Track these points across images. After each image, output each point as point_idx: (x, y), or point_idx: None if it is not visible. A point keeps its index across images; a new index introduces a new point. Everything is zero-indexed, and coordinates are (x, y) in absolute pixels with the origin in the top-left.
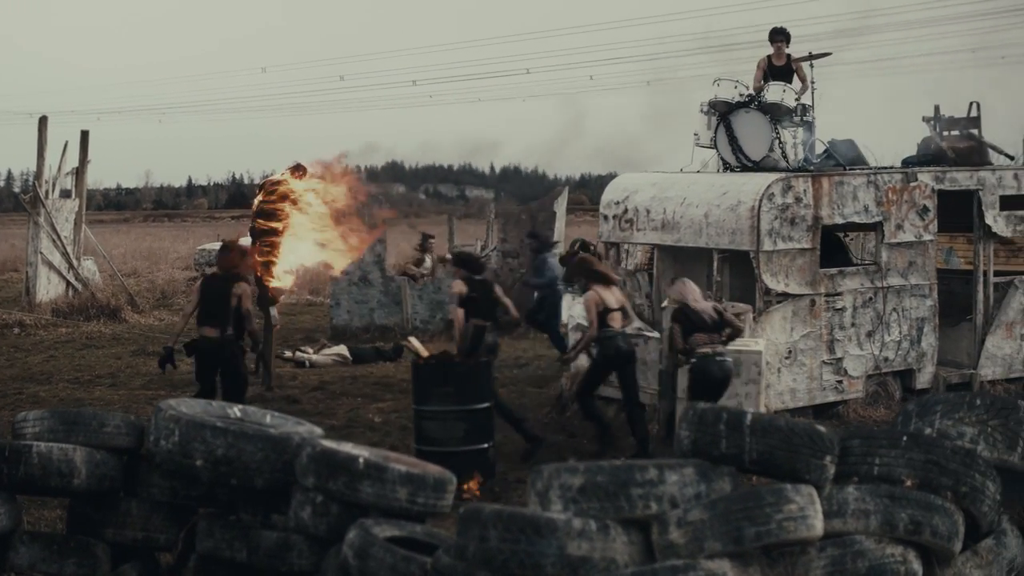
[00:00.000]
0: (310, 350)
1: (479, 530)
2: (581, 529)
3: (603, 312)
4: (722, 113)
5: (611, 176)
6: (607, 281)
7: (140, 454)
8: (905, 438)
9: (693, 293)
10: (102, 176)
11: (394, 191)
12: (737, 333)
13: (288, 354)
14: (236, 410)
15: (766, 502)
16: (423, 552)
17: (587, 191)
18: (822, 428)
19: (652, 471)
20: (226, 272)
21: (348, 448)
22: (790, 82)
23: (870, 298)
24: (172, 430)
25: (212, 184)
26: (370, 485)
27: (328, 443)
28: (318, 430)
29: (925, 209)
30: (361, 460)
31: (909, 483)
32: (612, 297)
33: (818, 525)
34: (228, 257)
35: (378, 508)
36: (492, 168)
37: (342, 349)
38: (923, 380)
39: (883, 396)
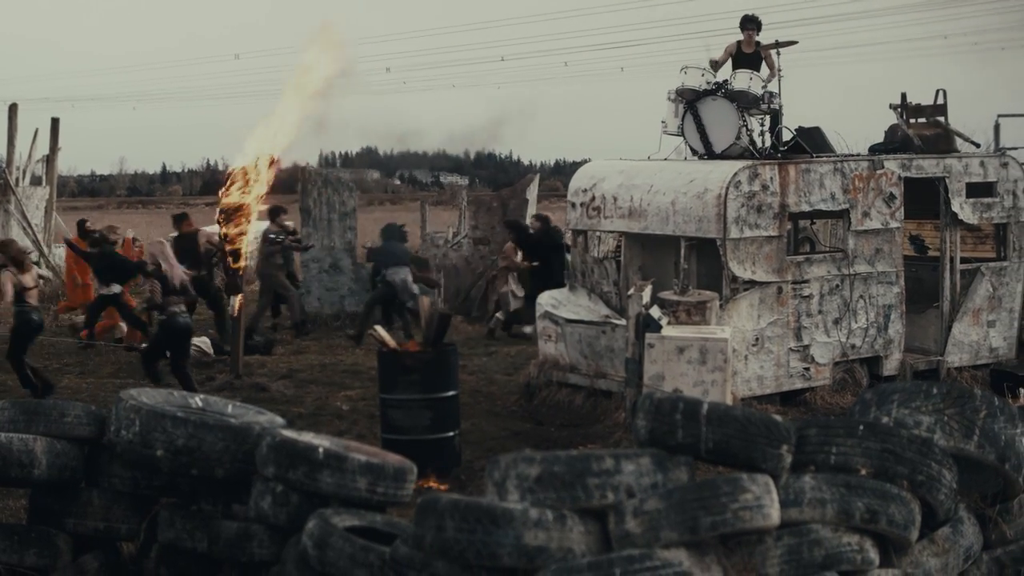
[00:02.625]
0: None
1: (436, 520)
2: (538, 519)
3: (20, 290)
4: (689, 101)
5: (585, 163)
6: (23, 265)
7: (101, 444)
8: (862, 427)
9: (168, 257)
10: (76, 163)
11: (368, 177)
12: (193, 301)
13: (144, 345)
14: (197, 400)
15: (722, 491)
16: (383, 542)
17: (561, 177)
18: (778, 418)
19: (609, 461)
20: None
21: (308, 438)
22: (758, 70)
23: (837, 285)
24: (133, 420)
25: (186, 171)
26: (330, 475)
27: (288, 433)
28: (279, 420)
29: (892, 196)
30: (321, 450)
31: (864, 472)
32: (28, 278)
33: (774, 514)
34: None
35: (338, 498)
36: (467, 154)
37: (203, 341)
38: (890, 367)
39: (850, 383)
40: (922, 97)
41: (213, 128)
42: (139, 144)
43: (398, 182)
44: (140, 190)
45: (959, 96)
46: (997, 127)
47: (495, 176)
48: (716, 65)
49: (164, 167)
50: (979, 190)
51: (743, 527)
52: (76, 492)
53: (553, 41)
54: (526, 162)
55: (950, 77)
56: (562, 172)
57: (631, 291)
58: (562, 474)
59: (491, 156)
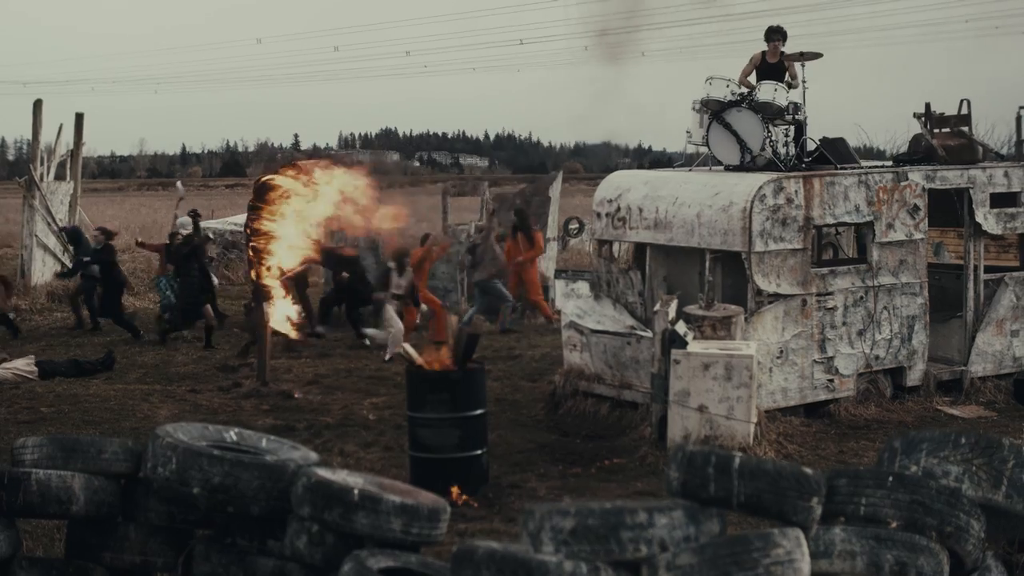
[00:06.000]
0: None
1: (472, 570)
2: (572, 571)
3: None
4: (714, 112)
5: (605, 145)
6: None
7: (138, 479)
8: (891, 478)
9: None
10: (96, 144)
11: (388, 159)
12: None
13: None
14: (232, 434)
15: (754, 547)
16: None
17: (580, 159)
18: (809, 470)
19: (642, 514)
20: None
21: (343, 477)
22: (781, 80)
23: (861, 297)
24: (169, 458)
25: (206, 152)
26: (365, 516)
27: (323, 472)
28: (313, 455)
29: (916, 208)
30: (356, 492)
31: (894, 524)
32: None
33: (805, 568)
34: None
35: (373, 539)
36: (487, 135)
37: (27, 363)
38: (914, 378)
39: (874, 394)
40: (946, 91)
41: (234, 109)
42: (159, 125)
43: (417, 164)
44: (160, 171)
45: (981, 83)
46: (1019, 119)
47: (514, 158)
48: (744, 81)
49: (184, 148)
50: (1003, 200)
51: None
52: (113, 526)
53: (572, 24)
54: (545, 143)
55: (972, 59)
56: (581, 154)
57: (657, 306)
58: (596, 527)
59: (511, 137)
